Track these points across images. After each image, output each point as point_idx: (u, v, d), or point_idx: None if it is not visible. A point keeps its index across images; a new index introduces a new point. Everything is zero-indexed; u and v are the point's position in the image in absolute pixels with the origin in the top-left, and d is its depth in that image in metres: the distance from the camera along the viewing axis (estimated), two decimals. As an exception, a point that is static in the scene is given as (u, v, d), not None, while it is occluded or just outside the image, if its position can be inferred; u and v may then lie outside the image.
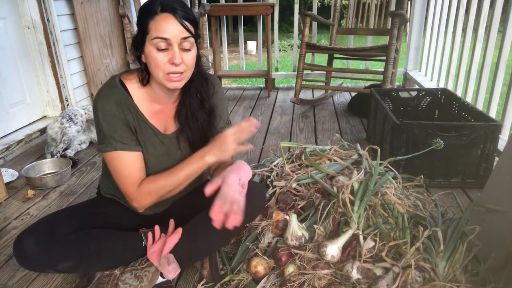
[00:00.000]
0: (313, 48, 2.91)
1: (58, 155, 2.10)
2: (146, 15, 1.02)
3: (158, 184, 1.10)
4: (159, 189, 1.10)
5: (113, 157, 1.09)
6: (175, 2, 1.02)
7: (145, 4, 1.05)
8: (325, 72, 3.45)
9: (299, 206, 1.37)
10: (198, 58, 1.13)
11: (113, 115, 1.08)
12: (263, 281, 1.14)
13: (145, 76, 1.10)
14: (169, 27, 1.00)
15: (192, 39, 1.04)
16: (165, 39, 1.00)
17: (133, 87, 1.12)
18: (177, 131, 1.19)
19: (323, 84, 3.39)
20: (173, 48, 1.01)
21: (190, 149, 1.22)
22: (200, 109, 1.19)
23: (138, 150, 1.12)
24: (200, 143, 1.21)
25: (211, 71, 3.48)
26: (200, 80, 1.17)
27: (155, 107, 1.16)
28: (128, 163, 1.10)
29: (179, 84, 1.07)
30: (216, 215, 1.00)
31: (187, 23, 1.02)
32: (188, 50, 1.04)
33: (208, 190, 1.03)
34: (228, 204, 1.01)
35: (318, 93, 3.56)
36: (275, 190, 1.46)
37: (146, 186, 1.10)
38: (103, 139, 1.08)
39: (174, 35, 1.01)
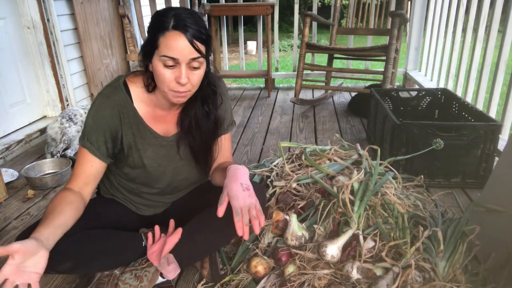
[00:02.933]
0: (313, 48, 2.91)
1: (58, 155, 2.10)
2: (157, 28, 0.99)
3: (48, 211, 1.01)
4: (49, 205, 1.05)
5: (80, 150, 1.12)
6: (188, 18, 0.98)
7: (158, 14, 1.02)
8: (325, 72, 3.45)
9: (299, 206, 1.37)
10: (209, 70, 1.12)
11: (102, 116, 1.08)
12: (263, 281, 1.14)
13: (151, 82, 1.09)
14: (178, 47, 0.97)
15: (201, 59, 1.01)
16: (173, 58, 0.98)
17: (136, 91, 1.12)
18: (178, 134, 1.19)
19: (323, 84, 3.39)
20: (180, 68, 0.99)
21: (191, 155, 1.22)
22: (205, 120, 1.17)
23: (102, 159, 1.11)
24: (202, 150, 1.22)
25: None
26: (208, 91, 1.15)
27: (156, 112, 1.15)
28: (84, 162, 1.10)
29: (183, 100, 1.07)
30: (242, 230, 0.99)
31: (197, 43, 0.98)
32: (196, 69, 1.02)
33: (220, 212, 1.02)
34: (246, 214, 1.00)
35: (318, 93, 3.56)
36: (275, 190, 1.46)
37: (53, 199, 1.05)
38: (83, 132, 1.11)
39: (183, 55, 0.98)
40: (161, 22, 0.99)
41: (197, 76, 1.04)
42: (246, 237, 1.00)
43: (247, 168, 1.15)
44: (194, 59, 0.99)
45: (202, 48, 1.00)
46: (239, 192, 1.04)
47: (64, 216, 1.00)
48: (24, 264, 0.85)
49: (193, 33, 0.98)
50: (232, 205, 1.02)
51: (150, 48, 1.02)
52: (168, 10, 1.01)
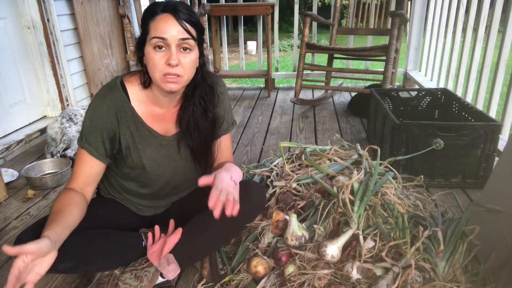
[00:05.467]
0: (313, 48, 2.91)
1: (58, 155, 2.10)
2: (147, 16, 1.03)
3: (56, 209, 1.01)
4: (53, 206, 1.04)
5: (79, 151, 1.12)
6: (179, 5, 1.01)
7: (148, 6, 1.05)
8: (325, 72, 3.45)
9: (299, 206, 1.37)
10: (203, 64, 1.13)
11: (99, 117, 1.08)
12: (263, 281, 1.14)
13: (147, 78, 1.09)
14: (167, 27, 0.99)
15: (191, 42, 1.03)
16: (162, 38, 0.99)
17: (133, 89, 1.12)
18: (177, 134, 1.19)
19: (323, 84, 3.39)
20: (170, 49, 1.00)
21: (190, 155, 1.22)
22: (203, 118, 1.17)
23: (101, 160, 1.11)
24: (201, 150, 1.22)
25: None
26: (205, 89, 1.16)
27: (155, 111, 1.15)
28: (83, 164, 1.11)
29: (175, 87, 1.05)
30: (214, 204, 0.98)
31: (187, 25, 1.00)
32: (187, 52, 1.03)
33: (201, 180, 1.03)
34: (224, 194, 1.00)
35: (318, 93, 3.56)
36: (275, 190, 1.46)
37: (59, 198, 1.05)
38: (81, 133, 1.11)
39: (172, 35, 0.99)
40: (151, 9, 1.02)
41: (189, 60, 1.03)
42: (216, 213, 0.98)
43: (242, 171, 1.16)
44: (183, 39, 1.00)
45: (192, 30, 1.02)
46: (226, 177, 1.05)
47: (73, 217, 1.01)
48: (32, 263, 0.85)
49: (182, 16, 1.00)
50: (215, 182, 1.02)
51: (142, 37, 1.04)
52: (160, 1, 1.05)
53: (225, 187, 1.01)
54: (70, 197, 1.06)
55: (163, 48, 1.01)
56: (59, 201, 1.04)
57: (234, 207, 1.00)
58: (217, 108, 1.22)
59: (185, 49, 1.02)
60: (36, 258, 0.85)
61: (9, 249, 0.81)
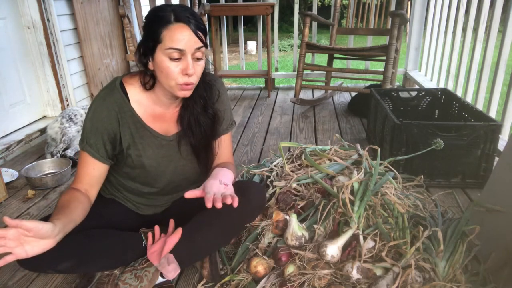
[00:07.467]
0: (313, 48, 2.91)
1: (58, 155, 2.10)
2: (158, 23, 1.01)
3: (62, 203, 1.04)
4: (58, 203, 1.06)
5: (81, 153, 1.13)
6: (186, 11, 1.02)
7: (154, 10, 1.04)
8: (325, 72, 3.45)
9: (299, 206, 1.37)
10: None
11: (100, 120, 1.09)
12: (263, 281, 1.14)
13: (149, 81, 1.09)
14: (184, 38, 1.00)
15: (204, 49, 1.05)
16: (179, 50, 1.00)
17: (133, 90, 1.12)
18: (178, 133, 1.20)
19: (323, 84, 3.39)
20: (186, 59, 1.01)
21: (192, 153, 1.22)
22: (203, 115, 1.18)
23: (103, 161, 1.12)
24: (203, 148, 1.22)
25: (211, 71, 3.49)
26: (203, 86, 1.17)
27: (155, 111, 1.16)
28: (86, 165, 1.12)
29: (189, 93, 1.08)
30: (213, 201, 0.96)
31: (200, 33, 1.02)
32: (200, 60, 1.05)
33: (187, 194, 1.03)
34: (218, 194, 1.00)
35: (318, 93, 3.56)
36: (275, 190, 1.46)
37: (65, 194, 1.07)
38: (82, 135, 1.12)
39: (189, 46, 1.01)
40: (161, 17, 1.01)
41: (201, 67, 1.07)
42: (218, 205, 0.95)
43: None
44: (198, 48, 1.03)
45: (204, 38, 1.04)
46: (214, 183, 1.06)
47: (77, 213, 1.03)
48: (26, 238, 0.86)
49: (195, 24, 1.01)
50: (206, 191, 1.02)
51: (152, 44, 1.02)
52: (164, 6, 1.04)
53: (216, 191, 1.02)
54: (76, 195, 1.07)
55: (178, 58, 1.02)
56: (65, 196, 1.05)
57: (233, 199, 0.98)
58: (216, 105, 1.23)
59: (198, 56, 1.04)
60: (31, 237, 0.86)
61: (8, 220, 0.83)
